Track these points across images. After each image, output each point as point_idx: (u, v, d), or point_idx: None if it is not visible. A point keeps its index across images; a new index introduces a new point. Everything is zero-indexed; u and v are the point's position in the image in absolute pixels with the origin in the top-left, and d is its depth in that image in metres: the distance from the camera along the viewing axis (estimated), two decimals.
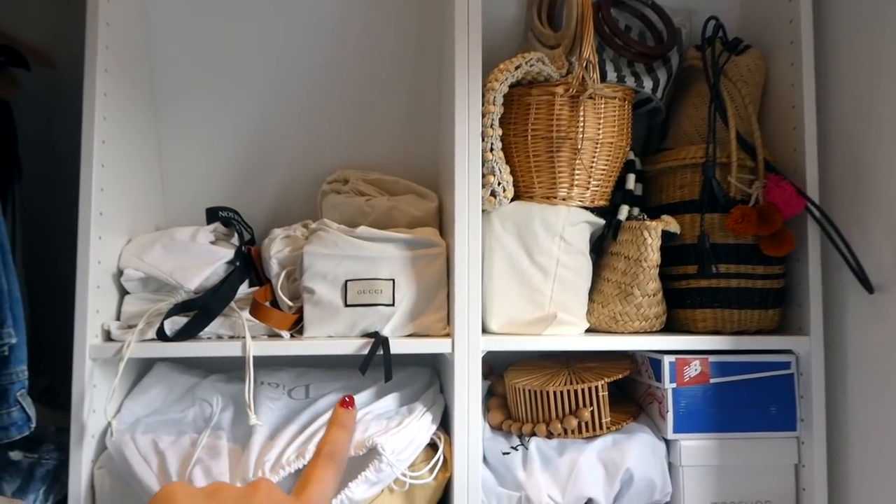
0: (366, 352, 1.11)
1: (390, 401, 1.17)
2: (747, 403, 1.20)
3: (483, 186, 1.16)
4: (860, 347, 1.16)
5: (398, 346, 1.12)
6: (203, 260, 1.18)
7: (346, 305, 1.15)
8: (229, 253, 1.21)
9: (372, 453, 1.04)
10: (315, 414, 1.13)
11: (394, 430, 1.08)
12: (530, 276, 1.20)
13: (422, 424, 1.11)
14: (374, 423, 1.10)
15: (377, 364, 1.11)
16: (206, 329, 1.13)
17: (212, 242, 1.24)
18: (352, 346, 1.12)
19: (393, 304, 1.15)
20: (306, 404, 1.17)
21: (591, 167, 1.23)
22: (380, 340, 1.11)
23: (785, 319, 1.25)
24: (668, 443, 1.20)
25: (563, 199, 1.23)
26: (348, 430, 0.52)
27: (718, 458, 1.18)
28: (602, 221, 1.26)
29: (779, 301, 1.22)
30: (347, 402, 0.55)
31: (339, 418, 0.52)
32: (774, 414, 1.20)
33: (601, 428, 1.19)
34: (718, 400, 1.19)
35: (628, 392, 1.36)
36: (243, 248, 1.24)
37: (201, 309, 1.12)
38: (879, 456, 1.12)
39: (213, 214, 1.30)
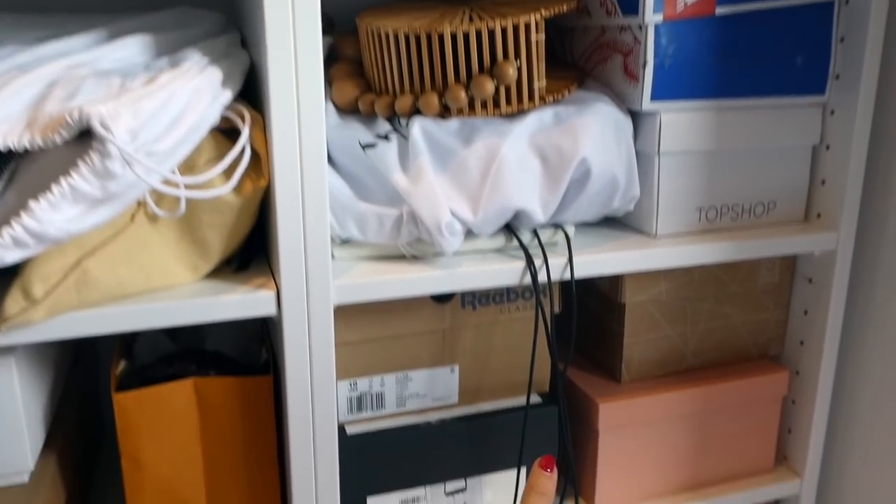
0: None
1: (133, 48, 0.59)
2: (763, 51, 0.73)
3: None
4: None
5: None
6: None
7: None
8: None
9: (85, 142, 0.48)
10: None
11: (137, 92, 0.51)
12: None
13: (199, 86, 0.54)
14: (90, 84, 0.52)
15: None
16: None
17: None
18: None
19: None
20: None
21: None
22: None
23: None
24: (637, 118, 0.73)
25: None
26: (549, 498, 0.42)
27: (712, 139, 0.73)
28: None
29: None
30: (546, 464, 0.43)
31: (537, 483, 0.43)
32: (799, 68, 0.75)
33: (532, 98, 0.69)
34: (722, 45, 0.71)
35: (554, 53, 0.86)
36: None
37: None
38: None
39: None
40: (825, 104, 0.78)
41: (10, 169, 0.50)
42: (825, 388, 0.83)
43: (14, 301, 0.52)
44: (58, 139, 0.48)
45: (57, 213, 0.47)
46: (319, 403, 0.64)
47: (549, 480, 0.45)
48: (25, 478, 0.60)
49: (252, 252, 0.67)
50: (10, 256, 0.47)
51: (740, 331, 0.84)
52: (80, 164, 0.47)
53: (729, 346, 0.84)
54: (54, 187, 0.47)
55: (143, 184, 0.50)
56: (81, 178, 0.47)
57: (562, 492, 0.77)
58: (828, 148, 0.79)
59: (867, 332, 0.82)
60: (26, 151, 0.50)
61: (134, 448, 0.62)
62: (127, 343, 0.72)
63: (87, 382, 0.86)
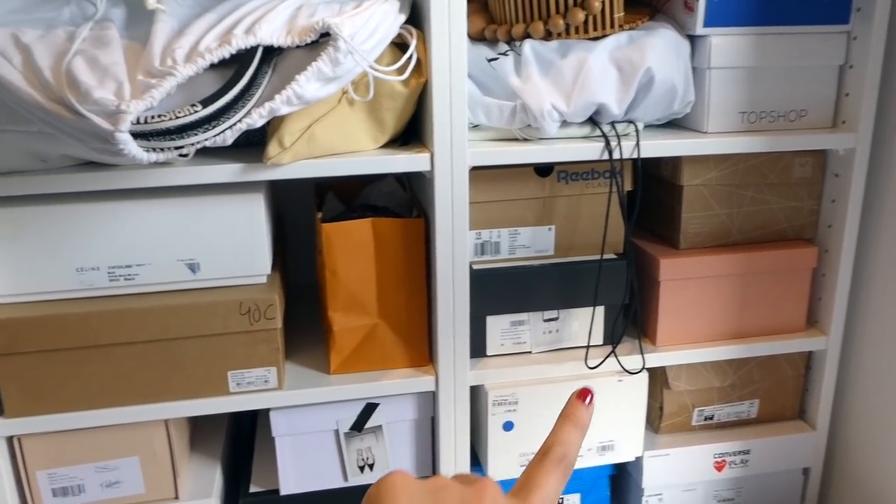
0: None
1: None
2: None
3: None
4: None
5: None
6: None
7: None
8: None
9: (324, 42, 0.77)
10: (237, 2, 0.83)
11: (350, 12, 0.79)
12: None
13: (387, 10, 0.83)
14: (322, 8, 0.81)
15: None
16: None
17: None
18: None
19: None
20: None
21: None
22: None
23: None
24: (693, 41, 0.96)
25: None
26: (583, 430, 0.42)
27: (753, 57, 0.96)
28: None
29: None
30: (584, 394, 0.43)
31: (573, 413, 0.42)
32: (827, 2, 0.96)
33: (613, 25, 0.94)
34: None
35: None
36: None
37: None
38: None
39: None
40: (849, 32, 0.98)
41: (275, 61, 0.80)
42: (847, 262, 1.04)
43: (273, 147, 0.81)
44: (308, 40, 0.77)
45: (309, 84, 0.76)
46: (458, 244, 0.92)
47: (585, 411, 0.42)
48: (265, 279, 0.91)
49: (410, 137, 0.95)
50: (284, 109, 0.76)
51: (778, 215, 1.05)
52: (323, 54, 0.76)
53: (769, 227, 1.06)
54: (308, 68, 0.76)
55: (356, 69, 0.78)
56: (323, 63, 0.76)
57: (623, 330, 1.01)
58: (851, 67, 0.99)
59: (882, 217, 1.02)
60: (283, 50, 0.79)
61: (333, 263, 0.91)
62: (317, 205, 1.02)
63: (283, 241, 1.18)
